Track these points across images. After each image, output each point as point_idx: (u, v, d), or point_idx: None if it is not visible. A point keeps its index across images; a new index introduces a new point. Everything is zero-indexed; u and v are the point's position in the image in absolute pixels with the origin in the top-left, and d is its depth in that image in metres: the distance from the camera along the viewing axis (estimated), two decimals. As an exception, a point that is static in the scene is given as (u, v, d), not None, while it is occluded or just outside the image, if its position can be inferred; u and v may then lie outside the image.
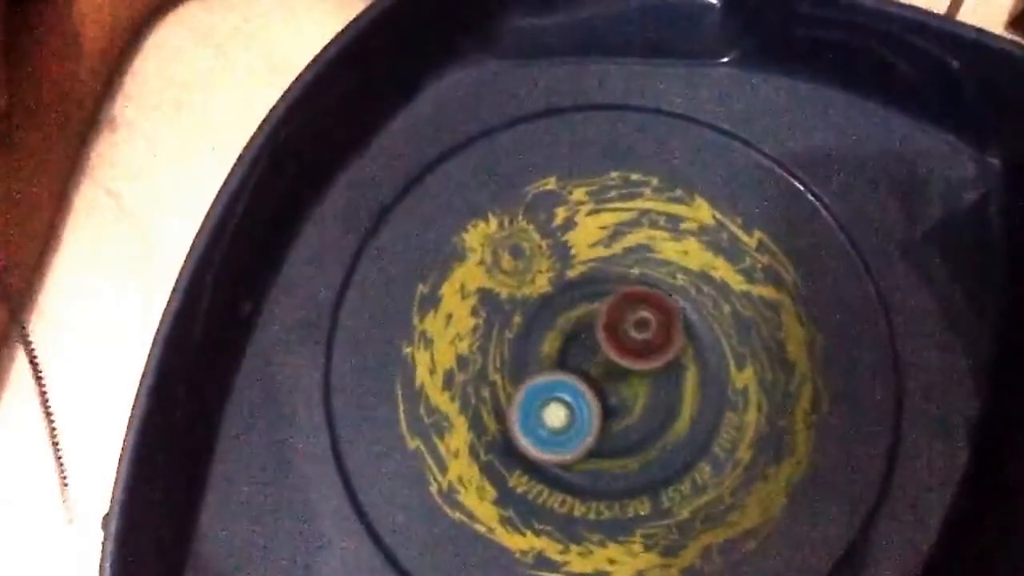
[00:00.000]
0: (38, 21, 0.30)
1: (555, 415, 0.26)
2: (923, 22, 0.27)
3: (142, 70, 0.33)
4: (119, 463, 0.24)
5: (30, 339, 0.28)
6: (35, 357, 0.28)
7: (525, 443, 0.26)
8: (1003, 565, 0.26)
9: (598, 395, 0.26)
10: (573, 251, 0.29)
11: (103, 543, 0.23)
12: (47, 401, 0.28)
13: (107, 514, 0.23)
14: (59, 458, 0.28)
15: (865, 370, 0.28)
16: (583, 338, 0.29)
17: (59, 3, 0.30)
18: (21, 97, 0.29)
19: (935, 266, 0.29)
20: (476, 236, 0.29)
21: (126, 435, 0.24)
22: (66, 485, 0.29)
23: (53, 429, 0.28)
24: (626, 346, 0.26)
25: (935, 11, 0.28)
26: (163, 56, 0.33)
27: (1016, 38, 0.32)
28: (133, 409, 0.24)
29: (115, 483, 0.23)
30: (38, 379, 0.28)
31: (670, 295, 0.28)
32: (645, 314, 0.26)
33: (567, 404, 0.26)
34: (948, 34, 0.27)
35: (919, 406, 0.28)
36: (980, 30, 0.27)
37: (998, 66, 0.27)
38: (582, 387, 0.26)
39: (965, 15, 0.33)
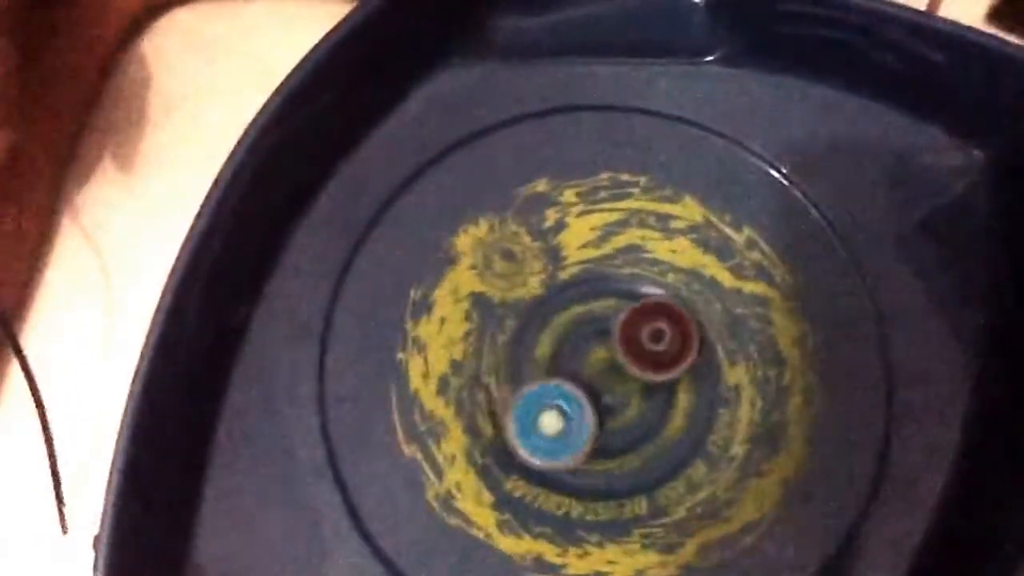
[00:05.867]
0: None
1: (550, 422, 0.26)
2: (903, 17, 0.27)
3: (130, 78, 0.33)
4: (109, 480, 0.23)
5: (23, 352, 0.27)
6: (29, 369, 0.28)
7: (524, 452, 0.26)
8: (996, 559, 0.26)
9: (593, 400, 0.27)
10: (564, 253, 0.29)
11: (94, 564, 0.23)
12: (44, 414, 0.28)
13: (98, 534, 0.23)
14: (55, 472, 0.28)
15: (856, 364, 0.28)
16: (577, 339, 0.29)
17: (50, 19, 0.30)
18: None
19: (924, 259, 0.29)
20: (467, 240, 0.29)
21: (115, 450, 0.23)
22: (62, 502, 0.29)
23: (50, 444, 0.28)
24: (642, 357, 0.27)
25: (916, 6, 0.28)
26: (152, 64, 0.33)
27: (995, 31, 0.33)
28: (122, 424, 0.24)
29: (105, 501, 0.23)
30: (33, 390, 0.27)
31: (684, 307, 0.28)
32: (661, 326, 0.27)
33: (562, 411, 0.26)
34: (927, 28, 0.27)
35: (911, 398, 0.28)
36: (958, 24, 0.27)
37: (977, 59, 0.27)
38: (576, 392, 0.26)
39: (946, 8, 0.33)
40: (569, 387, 0.26)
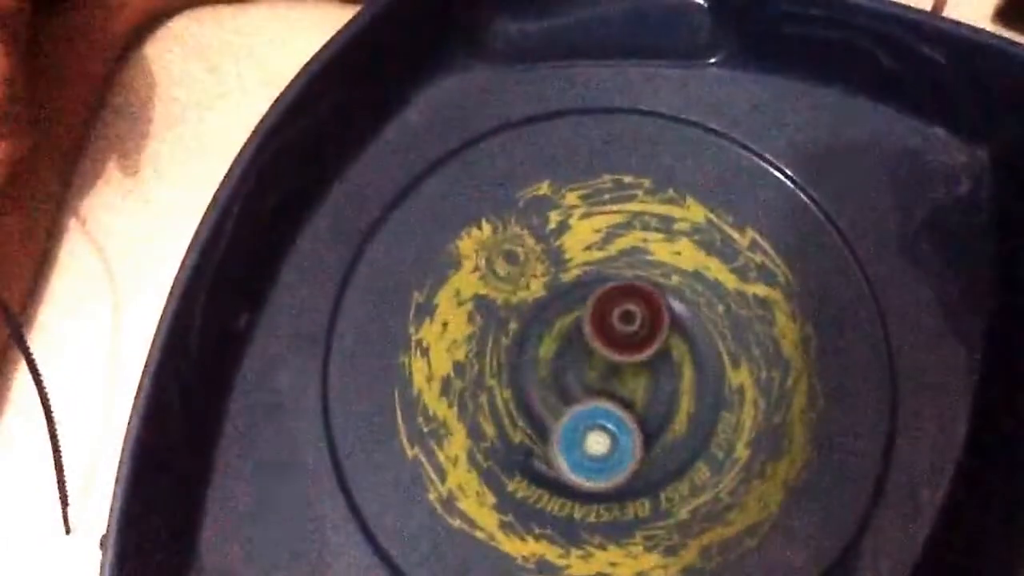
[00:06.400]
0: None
1: (597, 442, 0.26)
2: (906, 17, 0.27)
3: (132, 87, 0.33)
4: (115, 482, 0.24)
5: (32, 354, 0.28)
6: (37, 371, 0.28)
7: (568, 471, 0.26)
8: (998, 560, 0.26)
9: (640, 423, 0.27)
10: (567, 255, 0.29)
11: (101, 564, 0.23)
12: (51, 415, 0.28)
13: (105, 535, 0.23)
14: (60, 473, 0.28)
15: (859, 365, 0.28)
16: (579, 341, 0.29)
17: (53, 27, 0.30)
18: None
19: (927, 259, 0.29)
20: (470, 243, 0.29)
21: (122, 454, 0.24)
22: (67, 503, 0.29)
23: (56, 446, 0.28)
24: (614, 340, 0.27)
25: (921, 6, 0.28)
26: (155, 70, 0.33)
27: (1002, 31, 0.33)
28: (128, 427, 0.24)
29: (112, 503, 0.23)
30: (41, 392, 0.28)
31: (655, 287, 0.27)
32: (630, 307, 0.27)
33: (609, 432, 0.26)
34: (931, 28, 0.27)
35: (914, 399, 0.28)
36: (961, 24, 0.27)
37: (981, 59, 0.27)
38: (624, 415, 0.26)
39: (951, 8, 0.33)
40: (615, 408, 0.26)
